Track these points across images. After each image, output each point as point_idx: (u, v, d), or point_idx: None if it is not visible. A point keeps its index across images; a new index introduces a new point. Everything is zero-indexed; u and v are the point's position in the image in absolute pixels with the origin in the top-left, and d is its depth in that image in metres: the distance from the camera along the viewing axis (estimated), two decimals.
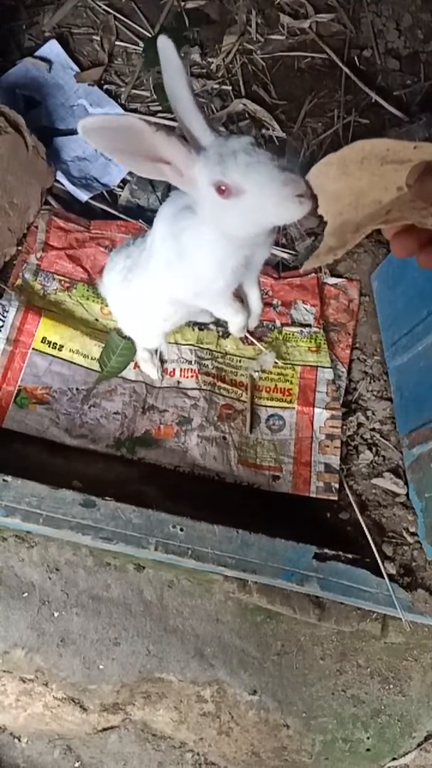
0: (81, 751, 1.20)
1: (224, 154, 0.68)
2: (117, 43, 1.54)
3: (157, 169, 0.72)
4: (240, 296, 0.96)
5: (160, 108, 1.47)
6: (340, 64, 1.53)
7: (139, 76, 1.50)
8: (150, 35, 1.53)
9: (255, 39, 1.56)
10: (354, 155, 0.62)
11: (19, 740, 1.20)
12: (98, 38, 1.53)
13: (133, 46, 1.53)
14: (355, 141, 0.62)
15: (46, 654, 1.10)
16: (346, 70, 1.52)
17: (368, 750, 1.14)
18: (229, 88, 1.50)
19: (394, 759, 1.15)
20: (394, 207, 0.58)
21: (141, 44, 1.52)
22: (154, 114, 1.47)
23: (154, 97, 1.48)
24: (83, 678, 1.11)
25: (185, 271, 0.86)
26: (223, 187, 0.69)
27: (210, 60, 1.53)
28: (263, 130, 1.46)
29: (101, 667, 1.11)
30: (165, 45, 0.71)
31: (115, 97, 1.48)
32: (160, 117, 1.45)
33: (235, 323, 0.96)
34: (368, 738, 1.13)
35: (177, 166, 0.71)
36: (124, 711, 1.15)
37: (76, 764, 1.20)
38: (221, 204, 0.70)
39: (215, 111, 1.48)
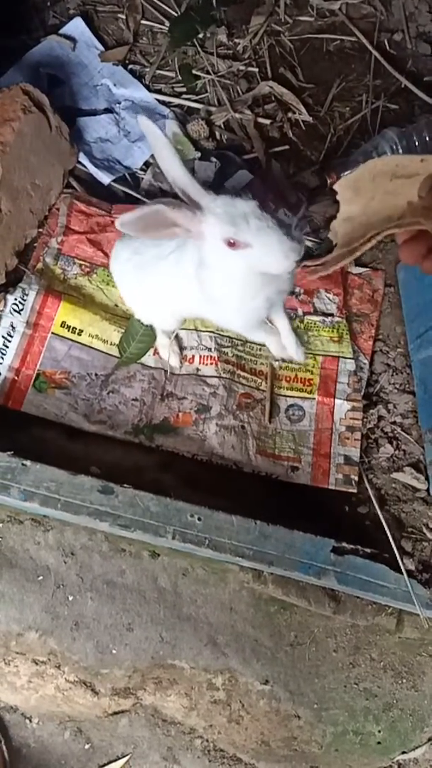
0: (91, 734, 1.21)
1: (236, 216, 0.80)
2: (142, 22, 1.50)
3: (171, 232, 0.84)
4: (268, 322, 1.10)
5: (184, 89, 1.45)
6: (370, 48, 1.49)
7: (165, 57, 1.47)
8: (176, 14, 1.50)
9: (283, 20, 1.52)
10: (366, 174, 0.67)
11: (30, 721, 1.21)
12: (123, 17, 1.50)
13: (159, 26, 1.50)
14: (369, 161, 0.67)
15: (59, 637, 1.11)
16: (375, 53, 1.48)
17: (379, 743, 1.13)
18: (256, 69, 1.47)
19: (404, 753, 1.15)
20: (406, 214, 0.62)
21: (167, 24, 1.49)
22: (178, 95, 1.44)
23: (179, 78, 1.45)
24: (96, 662, 1.11)
25: (212, 306, 0.98)
26: (233, 241, 0.81)
27: (237, 41, 1.49)
28: (290, 114, 1.43)
29: (114, 651, 1.11)
30: (146, 124, 0.80)
31: (140, 77, 1.45)
32: (184, 98, 1.43)
33: (271, 344, 1.13)
34: (379, 731, 1.13)
35: (186, 227, 0.83)
36: (135, 696, 1.16)
37: (86, 746, 1.21)
38: (229, 253, 0.82)
39: (241, 93, 1.45)
